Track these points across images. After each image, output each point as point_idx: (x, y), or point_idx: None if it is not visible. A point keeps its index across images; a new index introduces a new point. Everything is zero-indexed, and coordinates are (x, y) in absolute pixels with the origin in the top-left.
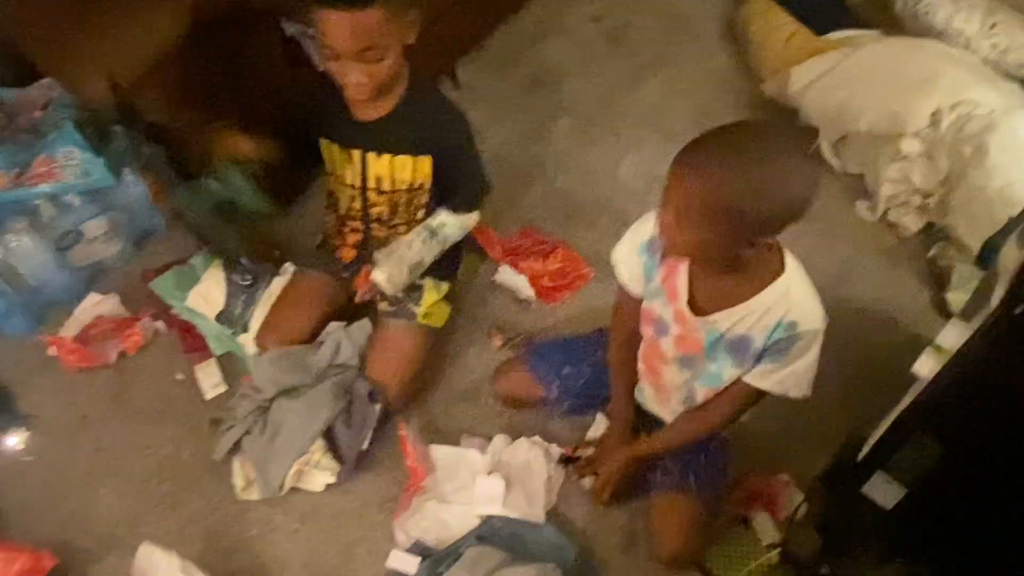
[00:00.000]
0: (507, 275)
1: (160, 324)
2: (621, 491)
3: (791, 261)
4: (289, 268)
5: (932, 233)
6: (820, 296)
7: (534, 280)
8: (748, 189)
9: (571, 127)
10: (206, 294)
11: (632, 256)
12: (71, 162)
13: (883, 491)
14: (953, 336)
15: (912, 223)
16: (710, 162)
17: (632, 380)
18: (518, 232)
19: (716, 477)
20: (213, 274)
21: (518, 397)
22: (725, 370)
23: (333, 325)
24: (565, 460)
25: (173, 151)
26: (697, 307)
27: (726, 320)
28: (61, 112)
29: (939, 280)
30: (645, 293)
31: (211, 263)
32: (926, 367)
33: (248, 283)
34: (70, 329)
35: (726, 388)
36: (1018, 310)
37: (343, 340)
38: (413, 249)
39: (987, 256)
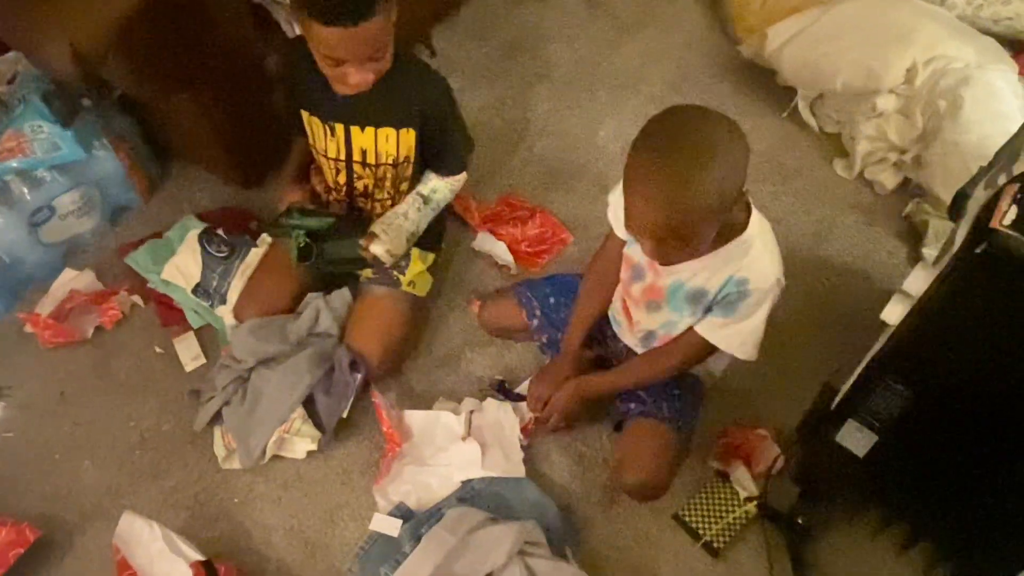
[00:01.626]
0: (486, 242)
1: (137, 298)
2: (572, 420)
3: (756, 219)
4: (266, 239)
5: (908, 190)
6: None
7: (513, 246)
8: (708, 191)
9: (550, 92)
10: (182, 267)
11: (620, 199)
12: (40, 136)
13: (855, 439)
14: (920, 281)
15: (888, 180)
16: (662, 194)
17: (594, 315)
18: (497, 199)
19: (688, 412)
20: (188, 247)
21: (502, 325)
22: (683, 319)
23: (312, 295)
24: (499, 385)
25: (147, 123)
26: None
27: (687, 270)
28: (28, 85)
29: (915, 236)
30: (628, 239)
31: (186, 236)
32: (894, 314)
33: (224, 255)
34: (46, 306)
35: (679, 336)
36: (979, 249)
37: (322, 309)
38: (409, 219)
39: (958, 206)
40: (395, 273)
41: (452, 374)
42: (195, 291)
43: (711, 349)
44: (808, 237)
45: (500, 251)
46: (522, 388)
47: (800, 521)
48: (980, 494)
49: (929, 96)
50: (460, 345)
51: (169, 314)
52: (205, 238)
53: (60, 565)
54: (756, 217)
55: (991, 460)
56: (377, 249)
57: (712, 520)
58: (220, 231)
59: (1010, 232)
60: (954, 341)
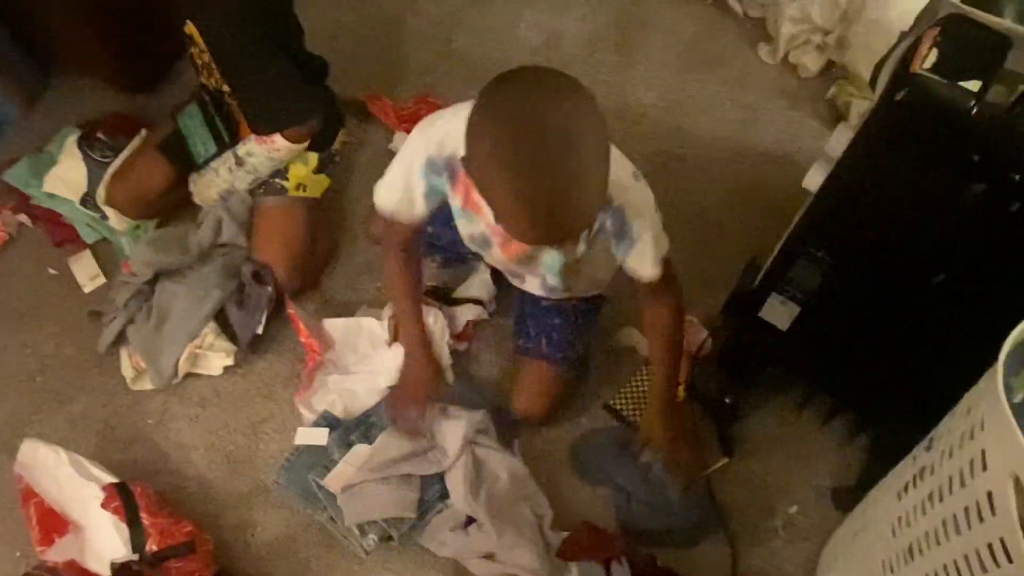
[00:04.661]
0: (403, 142)
1: (23, 217)
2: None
3: None
4: (144, 132)
5: (831, 73)
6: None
7: None
8: (603, 172)
9: None
10: (65, 177)
11: (412, 182)
12: None
13: (779, 312)
14: (840, 142)
15: (812, 63)
16: (574, 202)
17: (415, 295)
18: (414, 99)
19: (571, 340)
20: (69, 155)
21: None
22: (552, 257)
23: (208, 207)
24: (434, 291)
25: (15, 24)
26: None
27: None
28: None
29: (839, 118)
30: (453, 215)
31: (66, 144)
32: (815, 179)
33: (109, 159)
34: None
35: (645, 301)
36: (899, 95)
37: (223, 218)
38: (220, 176)
39: (878, 78)
40: (277, 180)
41: (376, 282)
42: (84, 203)
43: (668, 270)
44: (733, 124)
45: None
46: (460, 291)
47: (727, 401)
48: (896, 360)
49: None
50: (382, 251)
51: (60, 231)
52: (86, 143)
53: None
54: None
55: (907, 325)
56: (192, 188)
57: (642, 406)
58: (101, 134)
59: (931, 75)
60: (874, 198)
